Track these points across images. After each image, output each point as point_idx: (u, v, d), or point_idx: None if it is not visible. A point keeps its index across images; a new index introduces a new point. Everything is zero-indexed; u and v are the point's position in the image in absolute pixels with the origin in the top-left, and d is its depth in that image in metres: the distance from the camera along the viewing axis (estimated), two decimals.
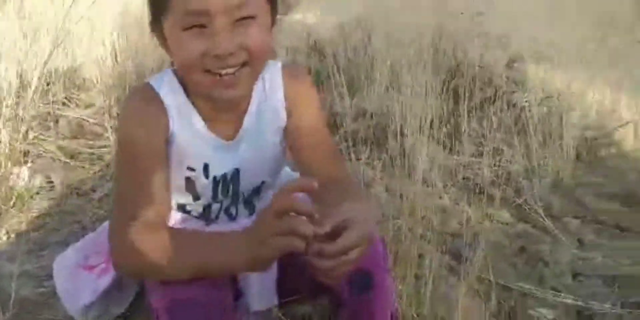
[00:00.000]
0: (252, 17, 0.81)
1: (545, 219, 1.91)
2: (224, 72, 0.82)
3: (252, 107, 0.97)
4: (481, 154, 2.21)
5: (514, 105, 2.60)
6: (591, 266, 1.72)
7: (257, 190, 1.06)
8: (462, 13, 3.59)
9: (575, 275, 1.65)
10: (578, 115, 2.49)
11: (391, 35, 2.96)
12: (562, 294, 1.53)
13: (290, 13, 4.52)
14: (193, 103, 0.93)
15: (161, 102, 0.91)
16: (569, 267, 1.69)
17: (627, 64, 2.73)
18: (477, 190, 2.02)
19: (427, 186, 1.93)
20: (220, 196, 1.02)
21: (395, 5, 3.47)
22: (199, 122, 0.94)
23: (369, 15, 3.41)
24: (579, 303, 1.50)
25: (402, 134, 2.18)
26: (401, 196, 1.73)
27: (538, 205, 1.96)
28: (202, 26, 0.79)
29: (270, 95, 0.97)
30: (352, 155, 2.10)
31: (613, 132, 2.62)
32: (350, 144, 2.14)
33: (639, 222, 1.96)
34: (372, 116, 2.43)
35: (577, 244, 1.87)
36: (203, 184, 0.99)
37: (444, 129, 2.31)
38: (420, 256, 1.50)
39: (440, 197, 1.93)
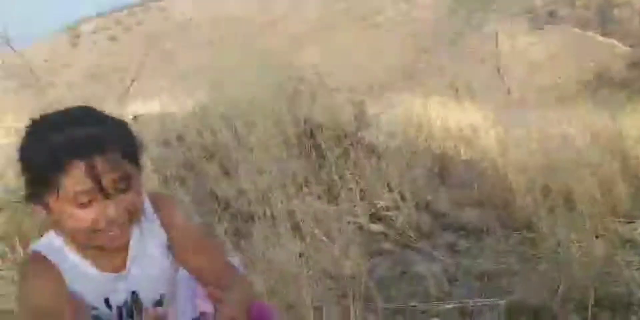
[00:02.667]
0: (129, 186, 1.01)
1: (418, 240, 2.25)
2: (111, 233, 1.02)
3: (135, 235, 1.17)
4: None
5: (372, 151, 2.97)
6: (462, 269, 2.06)
7: (159, 303, 1.26)
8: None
9: (451, 281, 1.98)
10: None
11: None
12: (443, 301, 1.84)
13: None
14: (80, 254, 1.09)
15: (57, 272, 1.06)
16: (445, 275, 2.01)
17: None
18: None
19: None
20: (127, 319, 1.19)
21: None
22: (90, 269, 1.10)
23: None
24: (457, 304, 1.81)
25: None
26: None
27: (408, 228, 2.31)
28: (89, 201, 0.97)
29: (149, 220, 1.16)
30: None
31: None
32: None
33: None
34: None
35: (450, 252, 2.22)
36: (107, 315, 1.14)
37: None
38: None
39: None
